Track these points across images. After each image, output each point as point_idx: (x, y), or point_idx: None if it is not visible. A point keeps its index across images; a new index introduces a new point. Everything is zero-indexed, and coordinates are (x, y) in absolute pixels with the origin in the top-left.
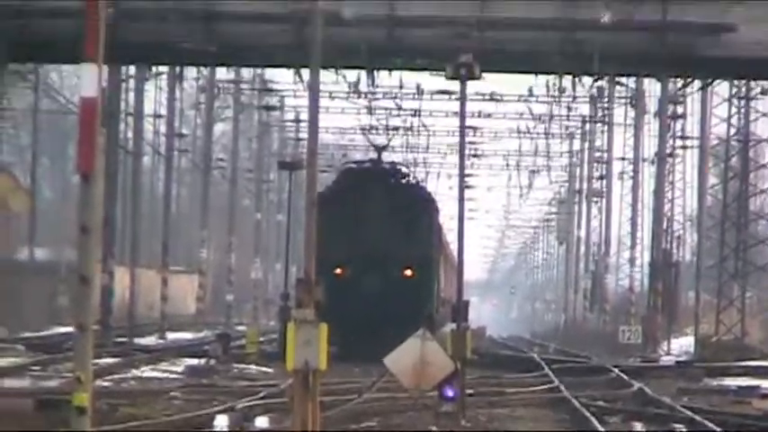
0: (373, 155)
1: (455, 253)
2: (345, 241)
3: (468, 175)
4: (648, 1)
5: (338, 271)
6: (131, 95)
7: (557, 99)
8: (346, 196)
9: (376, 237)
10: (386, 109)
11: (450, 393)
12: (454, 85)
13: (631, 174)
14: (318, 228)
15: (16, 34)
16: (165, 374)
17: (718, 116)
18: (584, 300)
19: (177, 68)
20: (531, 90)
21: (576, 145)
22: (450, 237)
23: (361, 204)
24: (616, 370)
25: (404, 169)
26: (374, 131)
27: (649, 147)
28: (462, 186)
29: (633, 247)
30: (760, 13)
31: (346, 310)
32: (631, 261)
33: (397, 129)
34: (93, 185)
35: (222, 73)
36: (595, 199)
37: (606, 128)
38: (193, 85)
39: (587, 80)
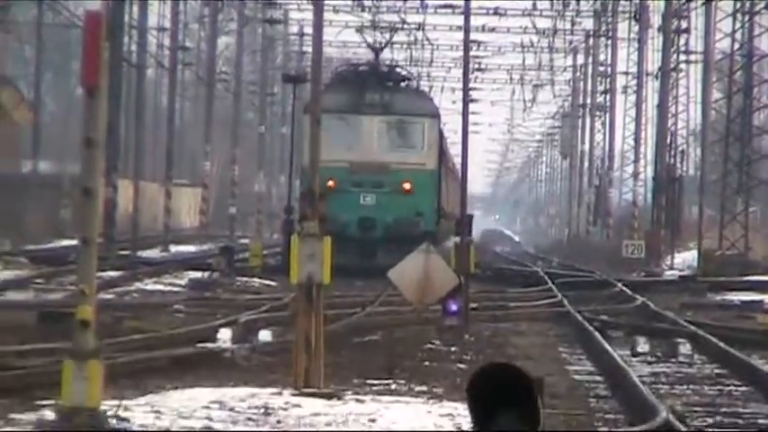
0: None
1: (458, 166)
2: (338, 151)
3: (472, 89)
4: None
5: (330, 183)
6: (135, 8)
7: (560, 13)
8: (339, 102)
9: (371, 147)
10: (390, 23)
11: (453, 307)
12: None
13: (635, 88)
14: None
15: None
16: (169, 288)
17: (722, 31)
18: (587, 214)
19: None
20: (534, 4)
21: (580, 59)
22: (454, 150)
23: (355, 110)
24: (619, 284)
25: (403, 72)
26: (371, 32)
27: (653, 61)
28: (466, 100)
29: (637, 161)
30: None
31: (339, 226)
32: (635, 175)
33: (395, 29)
34: (97, 99)
35: None
36: (599, 113)
37: (610, 42)
38: None
39: None
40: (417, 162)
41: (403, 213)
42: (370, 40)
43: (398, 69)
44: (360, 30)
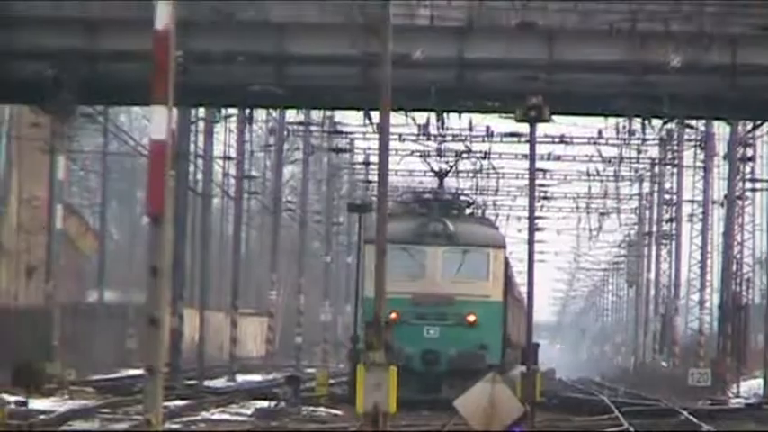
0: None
1: (524, 295)
2: (401, 282)
3: (538, 218)
4: (718, 43)
5: (393, 315)
6: (201, 137)
7: (626, 141)
8: (401, 232)
9: (435, 278)
10: (455, 152)
11: None
12: (524, 128)
13: (701, 216)
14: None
15: (86, 76)
16: (235, 417)
17: None
18: (653, 342)
19: (246, 110)
20: (600, 132)
21: (646, 187)
22: (520, 279)
23: (418, 241)
24: (685, 413)
25: (468, 200)
26: (437, 159)
27: (719, 189)
28: (532, 228)
29: (702, 289)
30: None
31: (402, 359)
32: (701, 303)
33: (460, 154)
34: (162, 227)
35: (292, 115)
36: (665, 241)
37: (676, 170)
38: (263, 128)
39: (657, 123)
40: (482, 293)
41: (467, 346)
42: (434, 167)
43: (462, 197)
44: (423, 156)
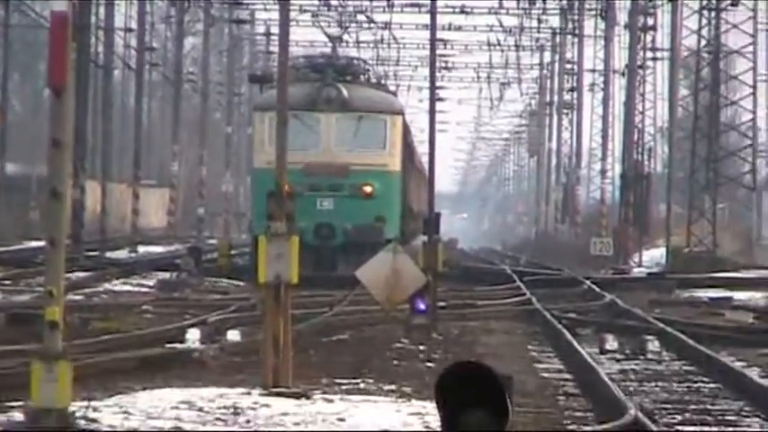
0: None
1: (425, 164)
2: (293, 152)
3: (439, 88)
4: None
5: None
6: (102, 9)
7: (527, 11)
8: (293, 99)
9: (329, 147)
10: (357, 23)
11: (421, 306)
12: None
13: (602, 86)
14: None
15: None
16: (137, 288)
17: (688, 28)
18: (555, 212)
19: None
20: (501, 2)
21: (547, 57)
22: (422, 149)
23: (310, 107)
24: (588, 282)
25: (363, 65)
26: (330, 23)
27: (620, 59)
28: (433, 98)
29: (604, 158)
30: None
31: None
32: (602, 173)
33: (354, 16)
34: (64, 100)
35: None
36: (566, 111)
37: (576, 40)
38: None
39: None
40: (379, 163)
41: (364, 219)
42: (329, 31)
43: (358, 62)
44: (315, 16)
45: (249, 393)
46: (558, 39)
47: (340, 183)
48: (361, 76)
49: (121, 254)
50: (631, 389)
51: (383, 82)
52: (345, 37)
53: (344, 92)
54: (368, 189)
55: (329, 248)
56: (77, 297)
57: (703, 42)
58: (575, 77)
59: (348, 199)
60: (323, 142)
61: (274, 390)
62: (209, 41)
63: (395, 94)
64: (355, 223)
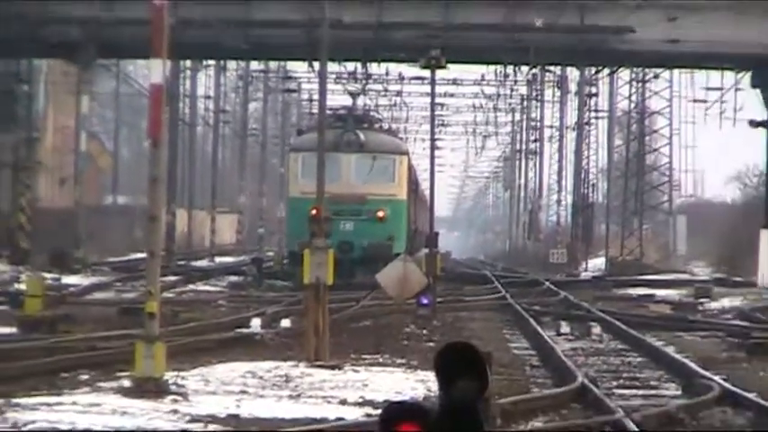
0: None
1: (427, 195)
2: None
3: (438, 139)
4: (570, 9)
5: (313, 212)
6: (188, 82)
7: (502, 83)
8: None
9: (349, 180)
10: (376, 91)
11: (425, 301)
12: (426, 73)
13: (558, 138)
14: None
15: (103, 37)
16: (214, 288)
17: (621, 94)
18: (523, 231)
19: (221, 62)
20: (483, 76)
21: (517, 116)
22: (425, 185)
23: (335, 149)
24: (547, 283)
25: (377, 115)
26: (351, 81)
27: (571, 117)
28: (433, 146)
29: (560, 191)
30: (651, 19)
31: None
32: (558, 202)
33: (369, 76)
34: (159, 148)
35: (254, 65)
36: (531, 156)
37: (539, 104)
38: (234, 74)
39: (525, 68)
40: (390, 193)
41: (377, 238)
42: (349, 88)
43: (372, 113)
44: (338, 78)
45: (297, 366)
46: (525, 103)
47: (358, 209)
48: (375, 124)
49: (202, 263)
50: (579, 362)
51: (392, 128)
52: (365, 99)
53: (362, 136)
54: (381, 214)
55: (349, 261)
56: (170, 295)
57: (633, 105)
58: (538, 131)
59: (365, 222)
60: (344, 176)
61: (315, 363)
62: (267, 105)
63: (402, 138)
64: (370, 241)
